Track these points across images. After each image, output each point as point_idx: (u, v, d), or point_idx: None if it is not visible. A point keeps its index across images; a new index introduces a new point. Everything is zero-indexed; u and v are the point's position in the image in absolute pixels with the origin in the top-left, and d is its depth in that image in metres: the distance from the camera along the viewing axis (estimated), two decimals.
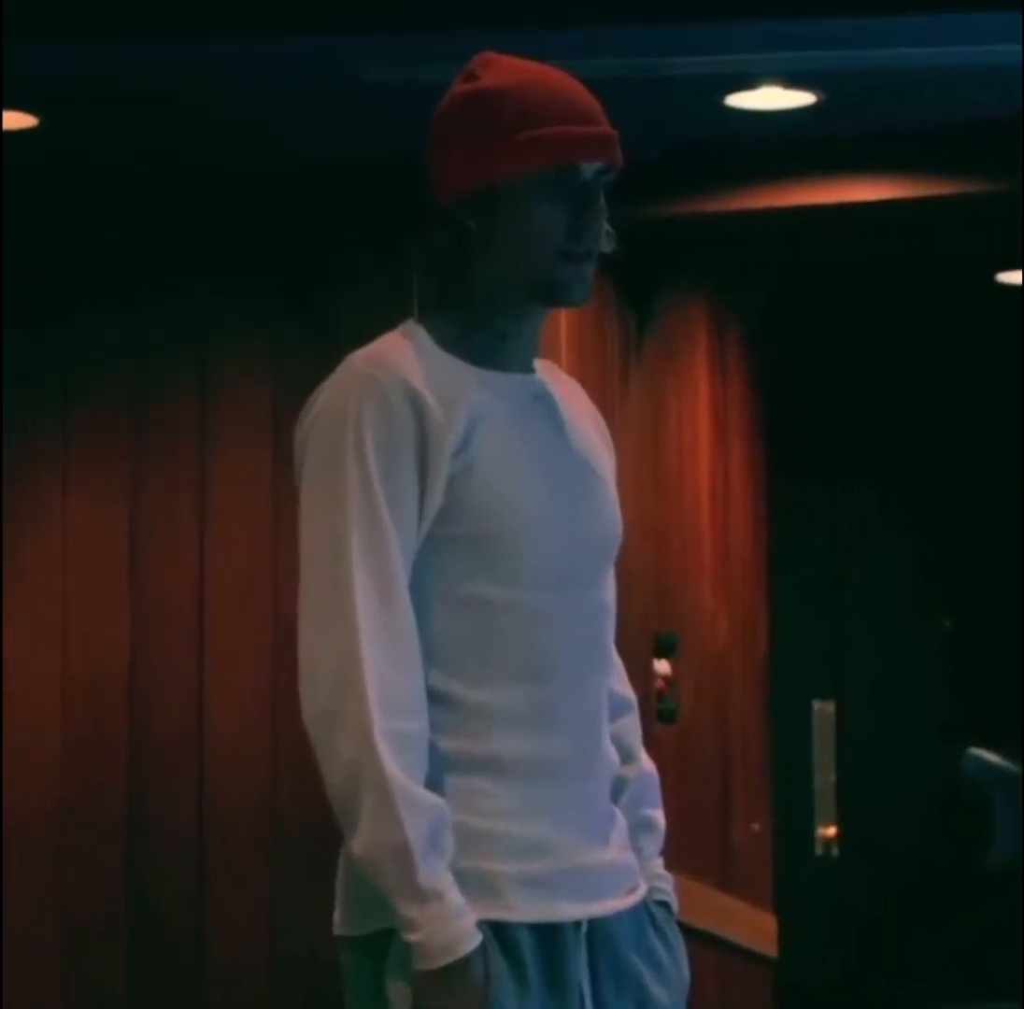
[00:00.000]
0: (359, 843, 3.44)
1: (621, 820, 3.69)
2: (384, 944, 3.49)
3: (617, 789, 3.72)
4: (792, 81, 6.03)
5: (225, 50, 5.94)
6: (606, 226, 3.60)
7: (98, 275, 7.00)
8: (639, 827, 3.76)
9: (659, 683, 6.83)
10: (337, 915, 3.60)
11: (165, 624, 6.89)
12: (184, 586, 6.87)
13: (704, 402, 7.29)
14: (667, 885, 3.75)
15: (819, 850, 8.11)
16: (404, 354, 3.60)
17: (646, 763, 3.80)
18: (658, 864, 3.76)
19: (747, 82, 6.04)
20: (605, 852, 3.64)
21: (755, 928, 7.22)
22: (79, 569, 6.97)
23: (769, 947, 7.31)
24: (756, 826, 7.33)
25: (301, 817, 6.27)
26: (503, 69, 3.68)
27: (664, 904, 3.74)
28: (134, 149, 6.70)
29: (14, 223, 6.83)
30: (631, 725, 3.77)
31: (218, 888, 6.79)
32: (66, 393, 6.99)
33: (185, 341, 6.91)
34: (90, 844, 6.91)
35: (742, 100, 6.11)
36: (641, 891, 3.67)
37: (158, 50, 5.92)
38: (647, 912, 3.70)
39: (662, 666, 6.81)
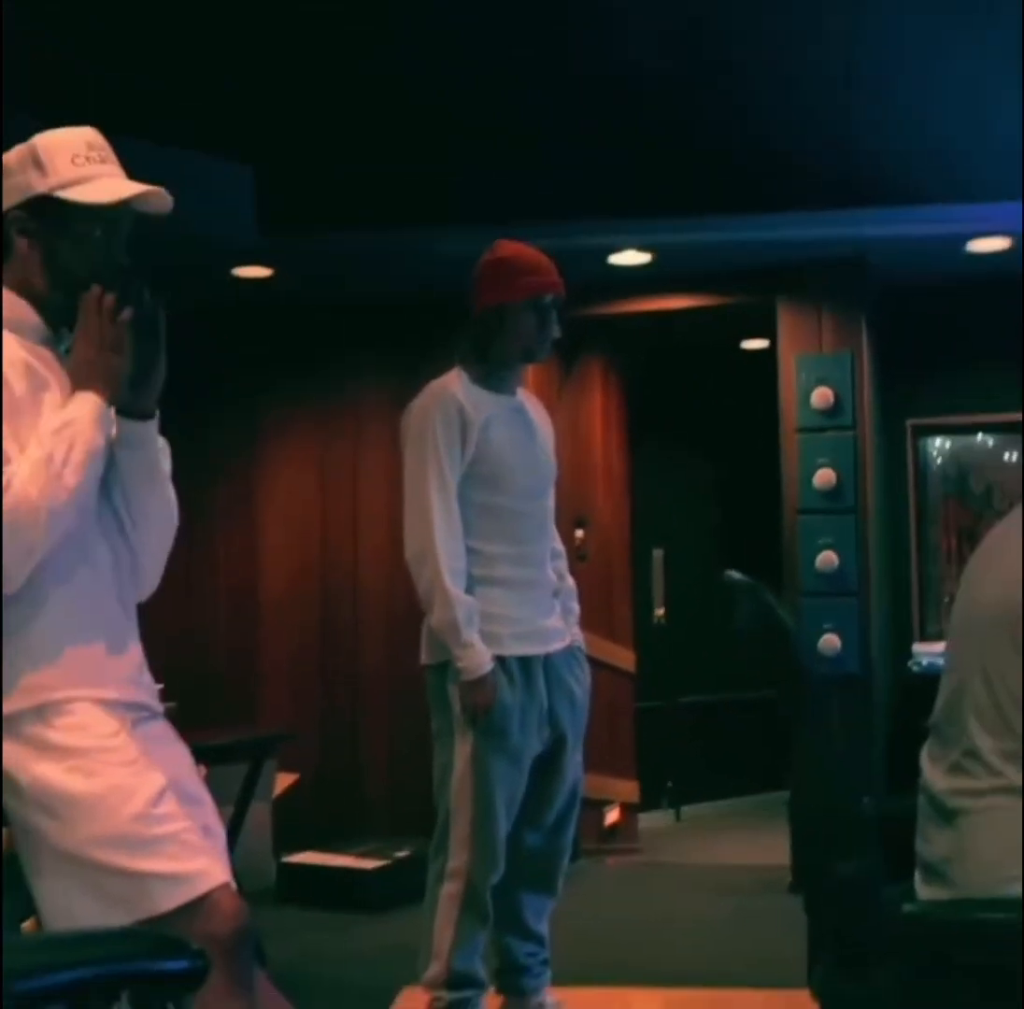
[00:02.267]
0: (433, 619, 3.50)
1: (558, 608, 3.72)
2: (445, 668, 3.53)
3: (555, 594, 3.72)
4: (640, 248, 5.82)
5: (394, 237, 5.63)
6: (556, 325, 3.62)
7: (300, 354, 6.81)
8: (566, 613, 3.74)
9: (578, 541, 6.50)
10: (422, 653, 3.63)
11: (338, 518, 6.74)
12: (346, 499, 6.73)
13: (598, 405, 7.00)
14: (580, 639, 3.77)
15: (656, 620, 7.86)
16: (455, 384, 3.57)
17: (570, 581, 3.82)
18: (576, 630, 3.76)
19: (618, 249, 5.82)
20: (551, 622, 3.67)
21: (624, 658, 6.99)
22: (297, 494, 6.78)
23: (631, 667, 7.09)
24: (625, 609, 7.06)
25: (405, 603, 5.69)
26: (509, 247, 3.62)
27: (580, 647, 3.75)
28: (327, 290, 6.43)
29: (259, 334, 6.76)
30: (562, 565, 3.80)
31: (365, 640, 6.66)
32: (289, 412, 6.79)
33: (350, 390, 6.74)
34: (301, 615, 6.73)
35: (617, 258, 5.91)
36: (568, 640, 3.71)
37: (345, 240, 5.66)
38: (572, 652, 3.71)
39: (580, 532, 6.57)
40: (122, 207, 2.37)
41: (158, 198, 2.38)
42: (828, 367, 5.95)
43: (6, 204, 2.37)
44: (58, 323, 2.38)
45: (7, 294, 2.34)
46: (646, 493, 7.52)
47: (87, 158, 2.35)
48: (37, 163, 2.34)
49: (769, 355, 6.23)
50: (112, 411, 2.34)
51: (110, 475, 2.40)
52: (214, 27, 5.02)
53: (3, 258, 2.39)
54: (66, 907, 2.23)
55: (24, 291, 2.37)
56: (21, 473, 2.22)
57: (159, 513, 2.45)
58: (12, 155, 2.40)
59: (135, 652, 2.42)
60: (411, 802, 6.04)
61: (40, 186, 2.34)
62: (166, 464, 2.48)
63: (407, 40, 5.11)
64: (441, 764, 3.54)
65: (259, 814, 5.61)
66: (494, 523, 3.53)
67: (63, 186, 2.32)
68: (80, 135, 2.40)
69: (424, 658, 3.59)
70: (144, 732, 2.36)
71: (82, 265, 2.34)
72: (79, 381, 2.33)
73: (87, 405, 2.30)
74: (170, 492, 2.48)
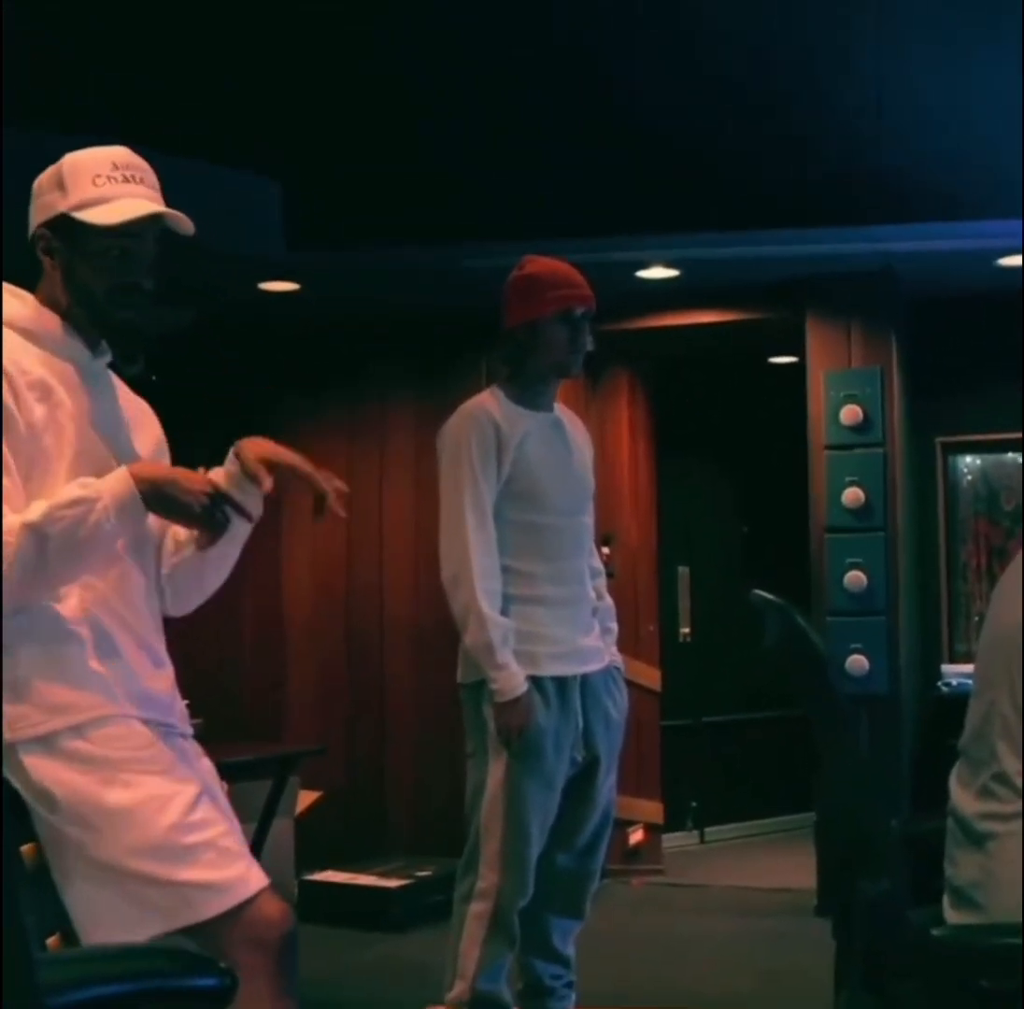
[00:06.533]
0: (468, 640, 3.49)
1: (597, 627, 3.69)
2: (480, 687, 3.52)
3: (593, 612, 3.69)
4: (668, 264, 5.84)
5: (421, 252, 5.64)
6: (588, 337, 3.61)
7: (326, 369, 6.86)
8: (605, 632, 3.72)
9: (605, 558, 6.38)
10: (458, 672, 3.63)
11: (364, 530, 6.73)
12: (372, 513, 6.73)
13: (625, 421, 7.00)
14: (618, 659, 3.75)
15: (681, 638, 7.77)
16: (489, 402, 3.59)
17: (608, 600, 3.78)
18: (614, 649, 3.75)
19: (646, 265, 5.85)
20: (589, 641, 3.64)
21: (649, 676, 6.93)
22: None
23: (656, 685, 7.01)
24: (651, 627, 7.02)
25: (431, 621, 6.13)
26: (538, 262, 3.63)
27: (618, 668, 3.74)
28: (354, 304, 6.40)
29: (285, 349, 6.79)
30: (601, 583, 3.77)
31: (390, 658, 6.69)
32: (315, 427, 6.71)
33: (376, 405, 6.75)
34: (327, 631, 6.77)
35: (645, 273, 5.93)
36: (606, 661, 3.69)
37: (373, 255, 5.64)
38: (610, 673, 3.69)
39: (606, 549, 6.48)
40: (140, 227, 2.36)
41: (176, 220, 2.38)
42: (857, 383, 5.93)
43: (36, 223, 2.41)
44: (88, 338, 2.40)
45: (36, 304, 2.38)
46: (672, 510, 7.54)
47: (109, 178, 2.35)
48: (60, 183, 2.37)
49: (797, 371, 6.23)
50: (140, 503, 2.26)
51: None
52: (246, 42, 5.10)
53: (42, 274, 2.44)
54: (102, 918, 2.23)
55: (52, 306, 2.39)
56: (10, 525, 2.17)
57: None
58: (44, 175, 2.42)
59: (170, 678, 2.45)
60: (434, 821, 6.21)
61: (60, 206, 2.37)
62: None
63: (438, 58, 5.14)
64: (474, 783, 3.54)
65: (281, 831, 5.61)
66: (531, 541, 3.53)
67: (80, 206, 2.35)
68: (107, 155, 2.41)
69: (460, 676, 3.59)
70: (174, 747, 2.36)
71: (98, 283, 2.36)
72: (137, 467, 2.30)
73: (118, 486, 2.26)
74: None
